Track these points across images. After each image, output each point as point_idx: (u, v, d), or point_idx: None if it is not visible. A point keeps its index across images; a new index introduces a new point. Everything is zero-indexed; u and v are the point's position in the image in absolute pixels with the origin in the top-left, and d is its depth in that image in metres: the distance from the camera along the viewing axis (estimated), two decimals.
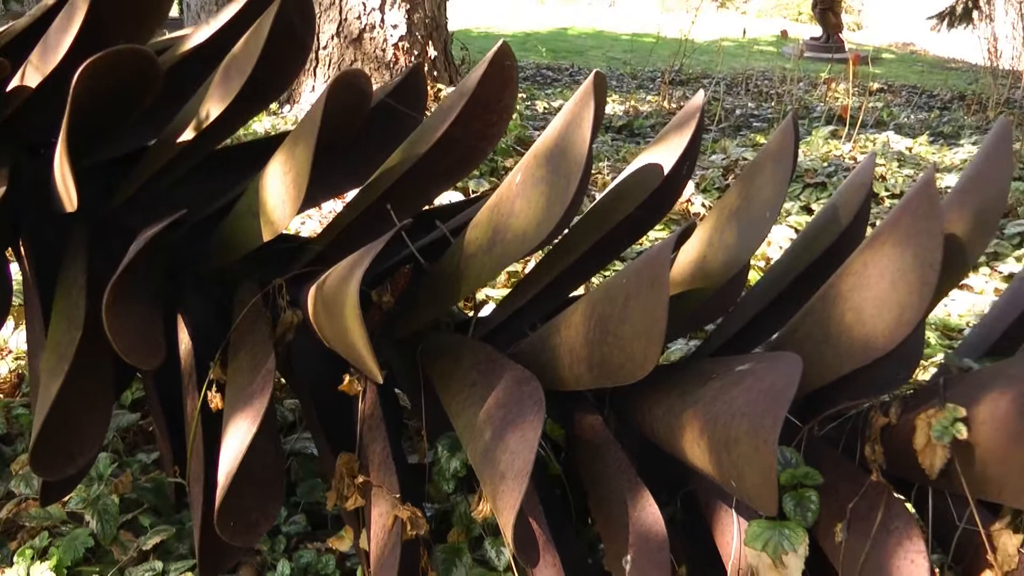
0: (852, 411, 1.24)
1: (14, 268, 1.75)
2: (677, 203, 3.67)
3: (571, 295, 1.48)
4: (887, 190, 4.09)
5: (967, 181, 1.22)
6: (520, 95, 7.08)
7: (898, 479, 1.22)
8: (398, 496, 1.22)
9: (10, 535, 1.63)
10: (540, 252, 1.45)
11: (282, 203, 1.22)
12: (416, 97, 1.56)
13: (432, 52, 4.96)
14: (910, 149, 5.28)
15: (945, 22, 9.40)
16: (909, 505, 1.24)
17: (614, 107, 6.80)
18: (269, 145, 1.51)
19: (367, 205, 1.34)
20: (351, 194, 1.52)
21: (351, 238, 1.38)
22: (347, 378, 1.33)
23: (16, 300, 1.95)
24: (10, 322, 2.23)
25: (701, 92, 1.39)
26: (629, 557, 1.14)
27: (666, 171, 1.31)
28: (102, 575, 1.53)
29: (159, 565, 1.54)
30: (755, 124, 6.25)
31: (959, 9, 9.61)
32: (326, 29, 4.82)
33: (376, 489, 1.26)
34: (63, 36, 1.31)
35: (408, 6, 4.80)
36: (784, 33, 8.01)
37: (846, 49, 13.90)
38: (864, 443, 1.18)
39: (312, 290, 1.29)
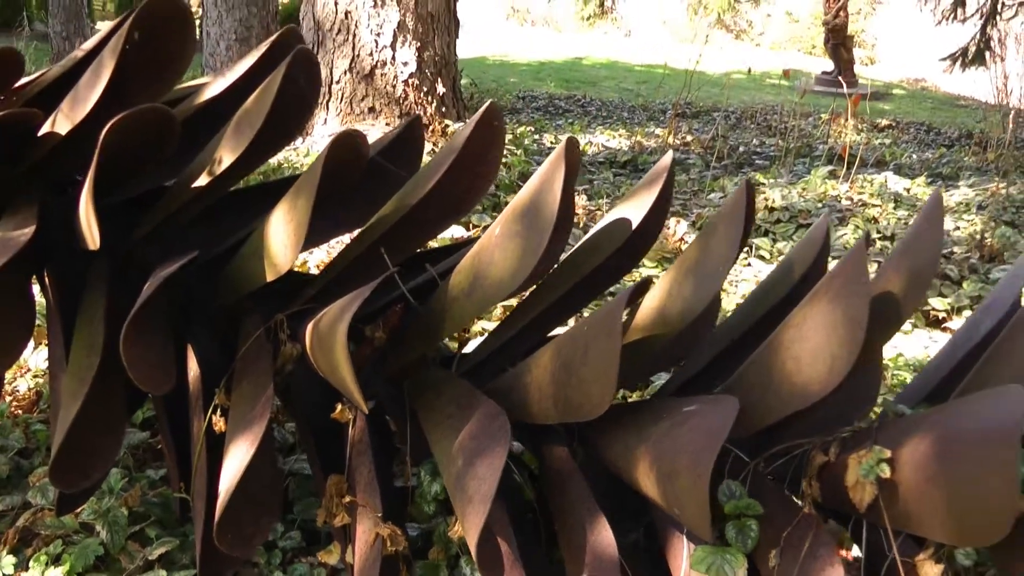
0: (798, 450, 1.37)
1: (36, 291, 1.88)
2: (671, 242, 3.81)
3: (548, 335, 1.60)
4: (879, 232, 4.21)
5: (903, 244, 1.34)
6: (528, 128, 7.21)
7: (836, 512, 1.35)
8: (380, 515, 1.35)
9: (26, 542, 1.76)
10: (523, 295, 1.58)
11: (284, 248, 1.35)
12: (413, 149, 1.69)
13: (441, 89, 5.13)
14: (908, 190, 5.39)
15: (958, 63, 9.52)
16: (846, 535, 1.37)
17: (620, 141, 6.94)
18: (276, 189, 1.64)
19: (362, 250, 1.47)
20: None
21: (348, 278, 1.51)
22: (339, 407, 1.46)
23: (37, 322, 2.09)
24: (31, 343, 2.36)
25: (670, 153, 1.52)
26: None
27: (636, 224, 1.45)
28: None
29: (163, 574, 1.66)
30: (757, 162, 6.37)
31: (972, 50, 9.72)
32: (339, 64, 4.99)
33: (361, 508, 1.39)
34: (91, 90, 1.45)
35: (419, 44, 4.97)
36: (787, 72, 8.14)
37: (857, 84, 14.05)
38: (803, 479, 1.30)
39: (309, 327, 1.42)
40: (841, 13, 13.54)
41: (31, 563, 1.65)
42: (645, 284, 1.37)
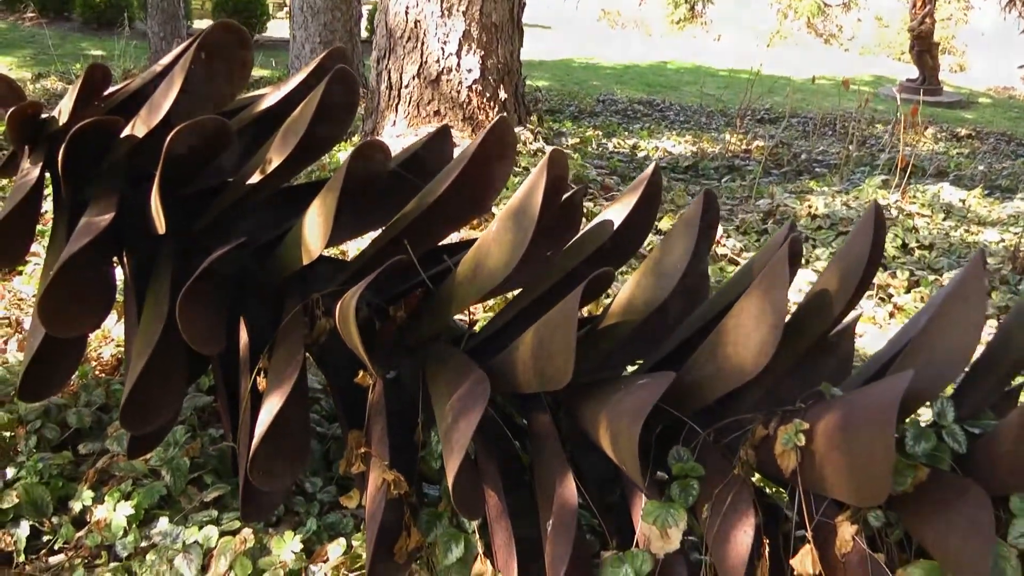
0: (750, 424, 1.59)
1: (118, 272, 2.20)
2: (713, 243, 4.00)
3: None
4: (918, 242, 4.33)
5: (840, 250, 1.55)
6: (596, 132, 7.42)
7: (774, 478, 1.57)
8: (387, 463, 1.61)
9: (103, 482, 2.07)
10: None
11: (315, 238, 1.62)
12: (440, 155, 1.94)
13: (503, 95, 5.39)
14: (963, 201, 5.46)
15: None
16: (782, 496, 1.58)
17: (686, 147, 7.12)
18: (318, 187, 1.92)
19: (385, 243, 1.74)
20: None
21: (373, 266, 1.77)
22: (361, 373, 1.73)
23: (119, 298, 2.41)
24: (113, 315, 2.69)
25: (654, 164, 1.75)
26: (550, 523, 1.51)
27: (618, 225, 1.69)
28: (170, 518, 1.95)
29: (214, 514, 1.95)
30: (817, 169, 6.49)
31: None
32: (408, 69, 5.29)
33: (374, 459, 1.65)
34: (164, 100, 1.74)
35: (483, 52, 5.25)
36: (846, 83, 8.16)
37: (942, 92, 13.88)
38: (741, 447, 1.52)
39: (338, 304, 1.69)
40: (927, 19, 13.41)
41: (106, 498, 1.96)
42: (601, 277, 1.59)
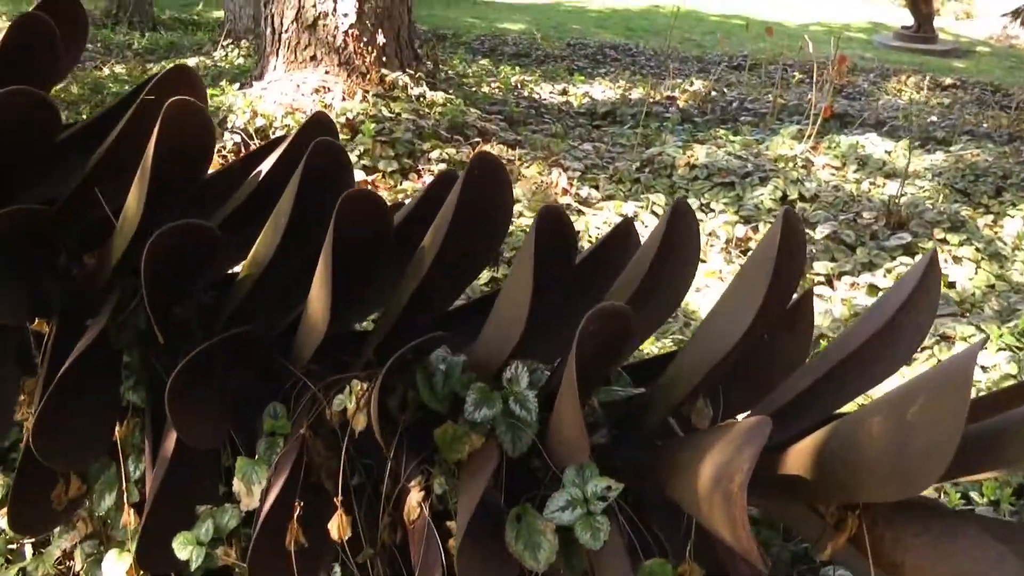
0: None
1: None
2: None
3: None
4: (800, 194, 4.26)
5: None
6: (534, 75, 7.25)
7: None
8: None
9: None
10: None
11: (320, 315, 1.55)
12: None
13: (381, 39, 5.40)
14: (890, 153, 5.33)
15: (1020, 20, 9.23)
16: None
17: (616, 93, 7.06)
18: None
19: (392, 321, 1.67)
20: None
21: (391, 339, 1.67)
22: None
23: None
24: None
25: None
26: None
27: None
28: None
29: None
30: (743, 118, 6.36)
31: None
32: (288, 14, 5.38)
33: None
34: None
35: None
36: (769, 30, 7.89)
37: (937, 40, 13.55)
38: None
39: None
40: None
41: None
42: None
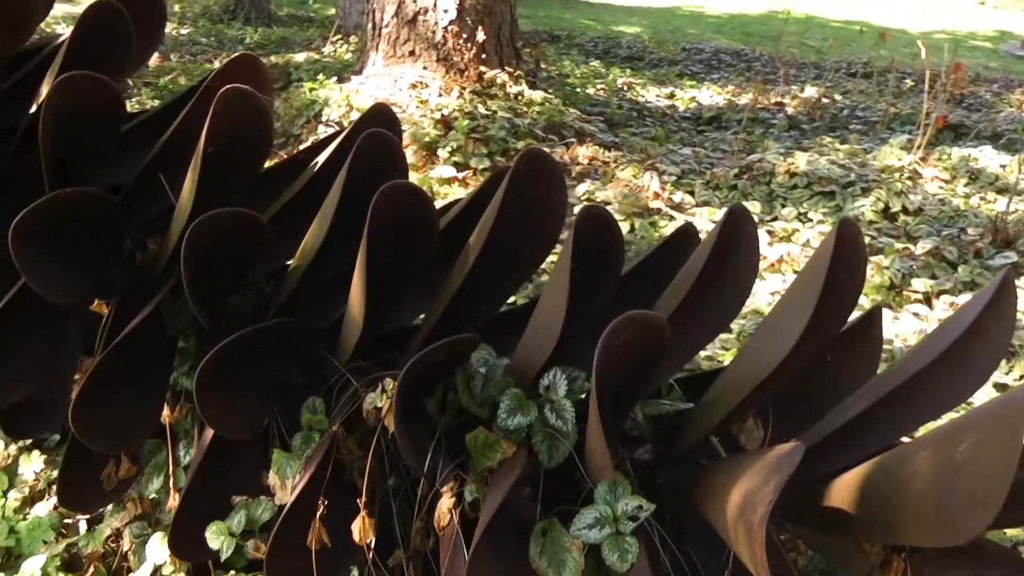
0: None
1: None
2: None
3: None
4: (904, 207, 4.08)
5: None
6: (645, 78, 7.14)
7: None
8: None
9: None
10: None
11: (357, 312, 1.54)
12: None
13: (481, 36, 5.35)
14: (1004, 167, 5.07)
15: None
16: None
17: (724, 98, 6.88)
18: None
19: (435, 322, 1.63)
20: None
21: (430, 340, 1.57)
22: None
23: None
24: None
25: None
26: None
27: None
28: None
29: None
30: (853, 125, 6.14)
31: None
32: (388, 9, 5.41)
33: None
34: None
35: None
36: (883, 36, 7.59)
37: None
38: None
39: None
40: None
41: None
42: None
